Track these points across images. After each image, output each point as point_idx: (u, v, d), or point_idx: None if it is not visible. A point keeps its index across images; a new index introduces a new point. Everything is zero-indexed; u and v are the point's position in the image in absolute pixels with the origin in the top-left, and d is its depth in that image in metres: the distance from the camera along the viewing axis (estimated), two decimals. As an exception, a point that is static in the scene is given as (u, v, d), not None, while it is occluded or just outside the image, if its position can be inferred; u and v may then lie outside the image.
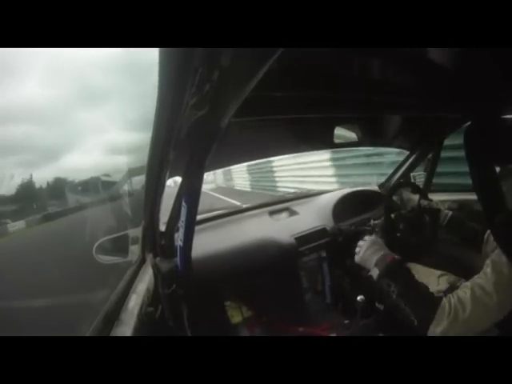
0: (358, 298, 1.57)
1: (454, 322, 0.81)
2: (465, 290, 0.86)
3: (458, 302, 0.83)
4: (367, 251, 1.11)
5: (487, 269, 0.86)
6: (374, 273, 1.02)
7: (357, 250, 1.18)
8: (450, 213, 1.50)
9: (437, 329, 0.82)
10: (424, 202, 1.60)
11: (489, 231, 1.22)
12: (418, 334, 0.86)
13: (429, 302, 0.88)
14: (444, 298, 0.86)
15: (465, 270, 0.97)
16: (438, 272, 1.47)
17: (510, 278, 0.82)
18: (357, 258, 1.16)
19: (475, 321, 0.82)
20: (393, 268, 0.99)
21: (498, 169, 0.83)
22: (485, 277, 0.85)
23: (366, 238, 1.18)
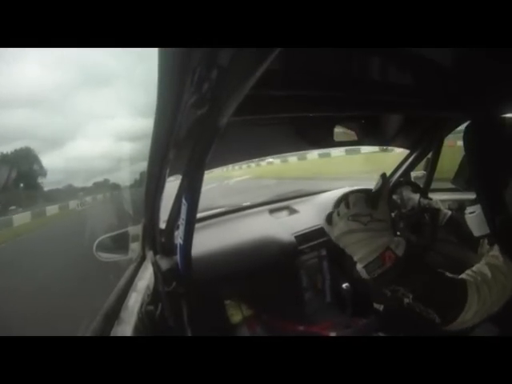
0: (344, 285, 1.59)
1: (483, 306, 0.69)
2: (483, 270, 0.74)
3: (483, 283, 0.70)
4: (347, 236, 0.73)
5: (495, 252, 0.79)
6: (363, 274, 0.73)
7: (333, 217, 0.78)
8: (449, 213, 1.50)
9: (466, 316, 0.68)
10: (424, 201, 1.60)
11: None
12: (429, 333, 0.83)
13: (453, 292, 0.70)
14: (468, 278, 0.72)
15: (462, 271, 0.98)
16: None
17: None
18: (328, 230, 0.79)
19: (496, 304, 0.71)
20: (396, 273, 0.69)
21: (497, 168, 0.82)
22: (496, 258, 0.76)
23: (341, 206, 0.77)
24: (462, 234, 1.42)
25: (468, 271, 0.75)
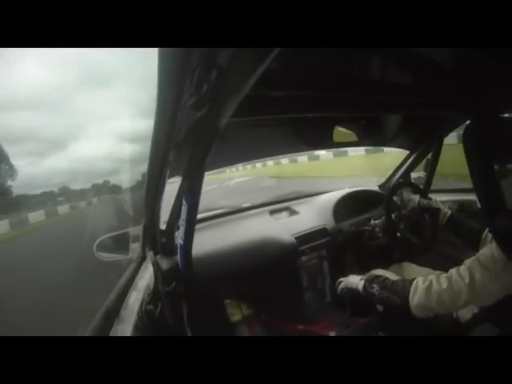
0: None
1: (428, 290, 0.98)
2: (445, 273, 1.00)
3: (435, 279, 0.99)
4: (349, 278, 1.31)
5: (473, 257, 0.94)
6: (360, 284, 1.22)
7: (339, 284, 1.36)
8: (449, 212, 1.50)
9: (414, 297, 1.00)
10: (424, 201, 1.60)
11: (486, 231, 1.22)
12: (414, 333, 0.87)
13: (404, 283, 1.08)
14: (418, 279, 1.05)
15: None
16: (436, 272, 1.47)
17: (487, 270, 0.88)
18: (342, 285, 1.33)
19: (447, 297, 0.95)
20: (372, 276, 1.21)
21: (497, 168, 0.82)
22: (467, 264, 0.95)
23: (341, 279, 1.37)
24: (463, 233, 1.42)
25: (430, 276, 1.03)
